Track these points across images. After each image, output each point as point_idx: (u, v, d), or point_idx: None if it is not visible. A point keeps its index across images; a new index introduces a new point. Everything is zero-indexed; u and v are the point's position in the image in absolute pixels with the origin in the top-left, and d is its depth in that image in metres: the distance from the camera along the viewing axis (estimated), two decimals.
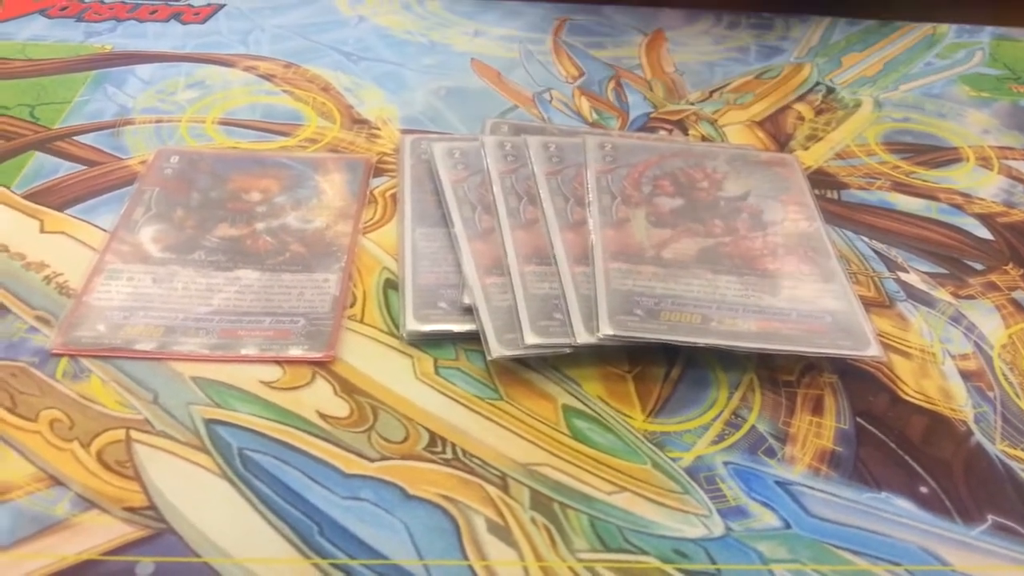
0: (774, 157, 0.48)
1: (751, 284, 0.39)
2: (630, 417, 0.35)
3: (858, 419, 0.36)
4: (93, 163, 0.46)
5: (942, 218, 0.46)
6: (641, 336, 0.36)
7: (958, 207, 0.47)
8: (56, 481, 0.32)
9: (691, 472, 0.33)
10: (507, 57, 0.57)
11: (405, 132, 0.49)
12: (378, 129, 0.50)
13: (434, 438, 0.34)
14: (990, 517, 0.33)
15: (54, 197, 0.43)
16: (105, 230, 0.41)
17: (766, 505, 0.32)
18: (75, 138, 0.47)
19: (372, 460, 0.33)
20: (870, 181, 0.48)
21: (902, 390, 0.37)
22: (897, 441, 0.35)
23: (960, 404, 0.37)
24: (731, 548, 0.31)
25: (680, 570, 0.30)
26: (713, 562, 0.31)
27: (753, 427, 0.35)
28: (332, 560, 0.30)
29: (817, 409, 0.36)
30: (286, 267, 0.40)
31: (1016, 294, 0.42)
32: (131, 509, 0.31)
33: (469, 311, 0.37)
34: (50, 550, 0.30)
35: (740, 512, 0.32)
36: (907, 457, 0.35)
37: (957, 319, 0.40)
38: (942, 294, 0.42)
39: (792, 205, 0.44)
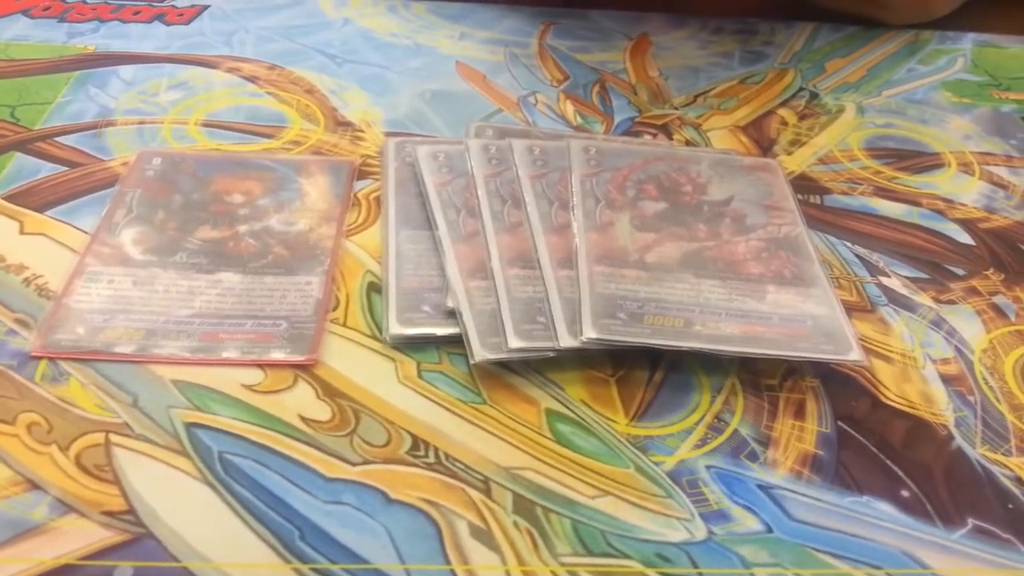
0: (757, 162, 0.48)
1: (734, 288, 0.39)
2: (613, 421, 0.35)
3: (840, 423, 0.36)
4: (74, 164, 0.45)
5: (924, 223, 0.47)
6: (624, 340, 0.36)
7: (940, 212, 0.47)
8: (34, 485, 0.31)
9: (674, 476, 0.33)
10: (492, 60, 0.57)
11: (389, 135, 0.49)
12: (362, 132, 0.50)
13: (416, 442, 0.34)
14: (970, 521, 0.33)
15: (35, 198, 0.43)
16: (86, 232, 0.41)
17: (748, 509, 0.33)
18: (56, 139, 0.47)
19: (354, 464, 0.33)
20: (852, 186, 0.49)
21: (883, 394, 0.37)
22: (878, 445, 0.35)
23: (941, 408, 0.37)
24: (713, 552, 0.31)
25: (662, 574, 0.30)
26: (695, 566, 0.31)
27: (735, 431, 0.35)
28: (313, 565, 0.30)
29: (799, 413, 0.36)
30: (268, 270, 0.40)
31: (997, 299, 0.42)
32: (110, 513, 0.31)
33: (452, 314, 0.37)
34: (27, 555, 0.29)
35: (722, 516, 0.32)
36: (888, 461, 0.35)
37: (938, 324, 0.41)
38: (923, 299, 0.42)
39: (775, 210, 0.44)
